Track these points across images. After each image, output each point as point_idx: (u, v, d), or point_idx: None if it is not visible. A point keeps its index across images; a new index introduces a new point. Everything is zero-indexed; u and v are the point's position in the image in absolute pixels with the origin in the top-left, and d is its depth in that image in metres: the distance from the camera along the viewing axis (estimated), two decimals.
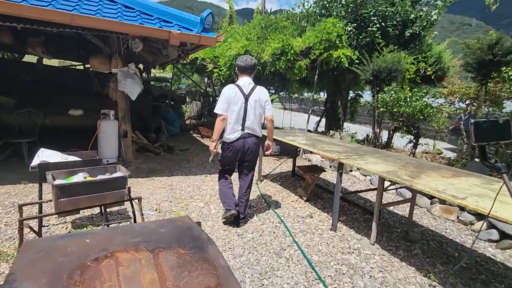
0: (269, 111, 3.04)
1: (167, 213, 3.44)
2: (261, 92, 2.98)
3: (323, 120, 7.69)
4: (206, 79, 12.39)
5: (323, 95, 9.60)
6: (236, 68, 3.10)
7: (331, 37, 5.46)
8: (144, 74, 8.32)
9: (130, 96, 4.65)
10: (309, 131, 7.07)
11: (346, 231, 3.26)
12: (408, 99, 4.57)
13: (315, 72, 6.27)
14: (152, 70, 10.20)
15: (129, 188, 2.62)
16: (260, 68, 6.18)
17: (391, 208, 4.01)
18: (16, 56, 6.47)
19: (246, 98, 2.90)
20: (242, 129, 2.94)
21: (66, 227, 2.93)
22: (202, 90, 11.97)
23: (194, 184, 4.57)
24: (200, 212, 3.55)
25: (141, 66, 8.63)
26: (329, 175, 5.41)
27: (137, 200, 2.29)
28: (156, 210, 3.51)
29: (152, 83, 11.58)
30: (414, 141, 4.95)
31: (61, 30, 3.71)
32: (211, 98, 12.44)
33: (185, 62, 8.10)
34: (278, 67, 5.82)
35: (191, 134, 9.27)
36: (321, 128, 8.11)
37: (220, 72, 6.92)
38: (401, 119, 4.81)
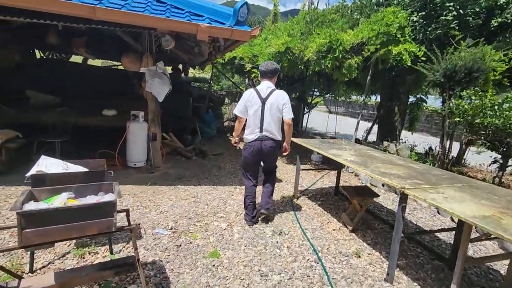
0: (287, 114, 3.03)
1: (182, 234, 2.95)
2: (279, 96, 3.01)
3: (374, 127, 6.65)
4: (246, 80, 11.97)
5: (374, 99, 8.48)
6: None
7: (390, 29, 4.53)
8: (182, 74, 8.17)
9: (157, 97, 4.31)
10: (357, 140, 6.14)
11: (408, 285, 2.42)
12: (497, 107, 3.45)
13: (368, 72, 5.35)
14: (192, 70, 10.10)
15: (127, 211, 2.16)
16: (302, 67, 5.47)
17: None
18: (64, 57, 6.71)
19: (263, 101, 2.99)
20: (260, 131, 3.04)
21: (69, 245, 2.60)
22: (242, 91, 11.57)
23: (221, 196, 4.06)
24: (220, 235, 2.99)
25: (180, 66, 8.52)
26: (382, 196, 4.48)
27: (130, 231, 1.80)
28: (171, 229, 3.04)
29: (196, 84, 11.55)
30: (502, 162, 3.79)
31: (87, 27, 3.48)
32: None
33: (221, 61, 7.73)
34: (323, 66, 5.05)
35: (228, 137, 8.89)
36: (372, 136, 7.07)
37: (258, 72, 6.36)
38: (484, 132, 3.70)
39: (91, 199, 1.83)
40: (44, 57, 6.68)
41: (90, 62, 6.95)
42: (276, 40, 5.33)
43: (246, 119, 3.12)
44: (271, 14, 12.14)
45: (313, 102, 11.41)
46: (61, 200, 1.73)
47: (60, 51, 6.50)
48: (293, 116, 3.06)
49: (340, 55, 4.84)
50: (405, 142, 5.76)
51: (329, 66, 4.92)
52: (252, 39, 4.25)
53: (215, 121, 8.70)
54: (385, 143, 5.48)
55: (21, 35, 5.34)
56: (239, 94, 12.24)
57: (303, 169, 4.45)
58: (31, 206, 1.61)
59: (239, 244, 2.84)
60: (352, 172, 5.48)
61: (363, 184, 4.98)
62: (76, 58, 7.01)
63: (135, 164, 4.77)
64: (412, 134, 6.46)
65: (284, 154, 3.29)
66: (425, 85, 5.62)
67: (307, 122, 11.14)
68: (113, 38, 5.95)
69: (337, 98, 11.55)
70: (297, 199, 4.15)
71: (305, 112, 11.88)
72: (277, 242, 2.93)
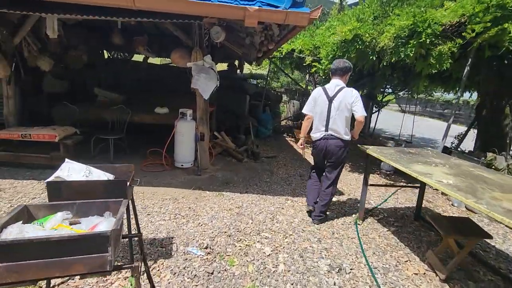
0: (359, 112, 2.88)
1: (217, 257, 2.47)
2: (347, 94, 2.91)
3: (469, 132, 5.18)
4: (307, 76, 11.15)
5: (469, 96, 6.82)
6: None
7: (507, 1, 3.30)
8: (237, 71, 7.85)
9: (202, 94, 3.95)
10: (445, 149, 4.89)
11: None
12: None
13: (465, 62, 4.12)
14: (248, 66, 9.75)
15: (139, 236, 1.75)
16: (374, 58, 4.51)
17: None
18: (127, 56, 7.00)
19: (330, 99, 2.95)
20: (326, 130, 3.01)
21: None
22: (302, 89, 10.80)
23: (269, 209, 3.49)
24: (262, 264, 2.43)
25: (236, 62, 8.22)
26: (484, 226, 3.32)
27: (131, 270, 1.35)
28: (206, 248, 2.60)
29: (252, 81, 11.24)
30: None
31: (127, 20, 3.29)
32: None
33: (278, 54, 7.12)
34: (403, 56, 4.04)
35: (284, 138, 8.28)
36: (465, 144, 5.61)
37: (319, 66, 5.58)
38: None
39: (91, 222, 1.45)
40: (111, 57, 7.07)
41: (151, 60, 7.12)
42: (342, 27, 4.49)
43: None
44: (337, 3, 11.05)
45: (384, 100, 10.00)
46: (54, 222, 1.38)
47: (124, 50, 6.79)
48: (365, 114, 2.92)
49: (428, 40, 3.77)
50: None
51: (411, 55, 3.88)
52: (311, 23, 3.55)
53: (271, 120, 8.19)
54: (489, 155, 4.16)
55: (89, 36, 5.63)
56: (298, 92, 11.52)
57: (372, 185, 3.58)
58: (13, 229, 1.28)
59: (284, 281, 2.23)
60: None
61: (461, 213, 3.84)
62: (139, 57, 7.26)
63: (182, 165, 4.54)
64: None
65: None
66: None
67: (375, 123, 9.79)
68: (170, 36, 5.93)
69: (415, 95, 9.89)
70: (363, 221, 3.33)
71: (373, 111, 10.52)
72: (334, 283, 2.23)
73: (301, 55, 5.89)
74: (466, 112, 17.19)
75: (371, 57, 4.54)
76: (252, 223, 3.13)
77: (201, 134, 4.54)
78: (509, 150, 4.39)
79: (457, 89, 6.25)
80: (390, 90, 10.48)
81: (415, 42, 3.88)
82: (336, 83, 2.98)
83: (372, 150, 3.03)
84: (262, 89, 8.83)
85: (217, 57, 6.54)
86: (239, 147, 6.06)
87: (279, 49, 6.89)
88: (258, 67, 9.45)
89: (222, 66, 8.74)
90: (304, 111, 3.17)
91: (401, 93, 10.39)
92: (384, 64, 4.38)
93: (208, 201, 3.61)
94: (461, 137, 4.76)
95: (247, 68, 10.78)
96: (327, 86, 3.02)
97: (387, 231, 3.15)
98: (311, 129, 3.19)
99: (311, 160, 6.37)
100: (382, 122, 10.57)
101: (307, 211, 3.38)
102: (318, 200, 3.20)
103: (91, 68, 6.07)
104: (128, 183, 1.91)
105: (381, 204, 3.90)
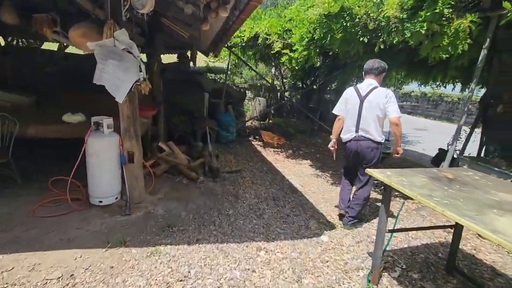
0: (392, 112, 2.71)
1: None
2: (380, 93, 2.77)
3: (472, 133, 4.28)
4: (273, 70, 9.96)
5: (452, 89, 6.05)
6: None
7: None
8: (191, 64, 6.33)
9: (112, 93, 2.46)
10: (443, 154, 3.93)
11: None
12: None
13: (483, 42, 3.14)
14: (204, 58, 8.26)
15: None
16: (365, 40, 3.36)
17: None
18: (32, 42, 5.15)
19: (362, 99, 2.84)
20: (356, 131, 2.89)
21: None
22: (268, 84, 9.59)
23: (232, 277, 2.18)
24: None
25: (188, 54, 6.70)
26: None
27: None
28: None
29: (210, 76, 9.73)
30: None
31: None
32: (279, 94, 9.99)
33: (239, 40, 5.78)
34: (408, 35, 2.94)
35: (250, 142, 6.99)
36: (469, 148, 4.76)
37: (292, 55, 4.34)
38: None
39: None
40: (11, 44, 5.15)
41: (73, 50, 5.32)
42: None
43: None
44: None
45: None
46: None
47: (26, 35, 4.93)
48: (400, 115, 2.73)
49: (445, 10, 2.69)
50: None
51: (422, 31, 2.78)
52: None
53: (234, 122, 6.84)
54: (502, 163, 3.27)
55: None
56: (264, 88, 10.29)
57: (396, 230, 2.44)
58: None
59: None
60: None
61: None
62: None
63: (101, 202, 3.02)
64: None
65: (397, 156, 2.94)
66: None
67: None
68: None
69: (398, 89, 9.15)
70: (378, 284, 2.15)
71: None
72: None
73: (267, 41, 4.58)
74: (441, 105, 17.29)
75: (361, 39, 3.39)
76: None
77: (130, 153, 3.06)
78: None
79: (450, 80, 5.43)
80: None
81: (426, 14, 2.77)
82: (369, 82, 2.86)
83: (398, 182, 1.84)
84: (222, 85, 7.43)
85: (160, 45, 5.02)
86: (194, 160, 4.65)
87: (239, 34, 5.53)
88: (216, 59, 7.99)
89: (172, 58, 7.17)
90: (335, 111, 3.07)
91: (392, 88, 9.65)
92: (381, 47, 3.25)
93: (132, 271, 2.18)
94: (465, 140, 3.92)
95: (203, 60, 9.25)
96: (359, 85, 2.92)
97: None
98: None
99: (286, 169, 5.46)
100: None
101: (338, 215, 3.29)
102: (350, 203, 3.08)
103: None
104: None
105: (392, 244, 2.78)
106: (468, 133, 4.07)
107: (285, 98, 9.50)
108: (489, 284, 2.29)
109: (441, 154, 4.31)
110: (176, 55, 6.53)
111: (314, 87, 8.41)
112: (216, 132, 6.33)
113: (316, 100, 9.16)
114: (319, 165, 5.59)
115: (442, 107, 17.22)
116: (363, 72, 2.95)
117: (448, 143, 4.56)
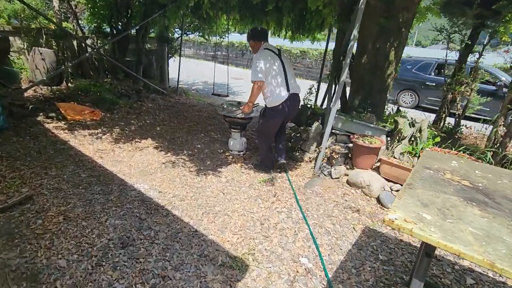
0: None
1: None
2: None
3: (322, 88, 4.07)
4: (56, 3, 6.45)
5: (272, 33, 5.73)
6: None
7: None
8: None
9: None
10: (306, 108, 3.46)
11: None
12: None
13: None
14: None
15: None
16: None
17: None
18: None
19: None
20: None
21: None
22: (54, 26, 6.16)
23: None
24: None
25: None
26: None
27: None
28: None
29: None
30: None
31: None
32: (76, 43, 6.69)
33: None
34: None
35: (42, 124, 4.21)
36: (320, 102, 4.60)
37: None
38: None
39: None
40: None
41: None
42: None
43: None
44: None
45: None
46: None
47: None
48: (253, 79, 2.91)
49: None
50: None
51: None
52: None
53: None
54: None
55: None
56: (46, 32, 6.60)
57: None
58: None
59: None
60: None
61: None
62: None
63: None
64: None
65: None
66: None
67: (178, 74, 7.37)
68: None
69: (208, 38, 8.15)
70: None
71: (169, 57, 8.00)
72: None
73: None
74: (246, 54, 18.07)
75: None
76: None
77: None
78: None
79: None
80: (189, 33, 8.20)
81: None
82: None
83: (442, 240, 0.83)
84: None
85: None
86: None
87: None
88: None
89: None
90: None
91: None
92: None
93: None
94: (315, 91, 3.64)
95: None
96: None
97: None
98: None
99: (123, 165, 3.27)
100: (172, 71, 8.32)
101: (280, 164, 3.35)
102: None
103: None
104: None
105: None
106: (328, 86, 3.81)
107: (88, 50, 6.50)
108: None
109: (303, 110, 3.95)
110: None
111: (132, 32, 6.11)
112: None
113: (135, 51, 6.88)
114: (166, 144, 4.05)
115: (247, 56, 18.32)
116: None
117: (303, 98, 4.24)
